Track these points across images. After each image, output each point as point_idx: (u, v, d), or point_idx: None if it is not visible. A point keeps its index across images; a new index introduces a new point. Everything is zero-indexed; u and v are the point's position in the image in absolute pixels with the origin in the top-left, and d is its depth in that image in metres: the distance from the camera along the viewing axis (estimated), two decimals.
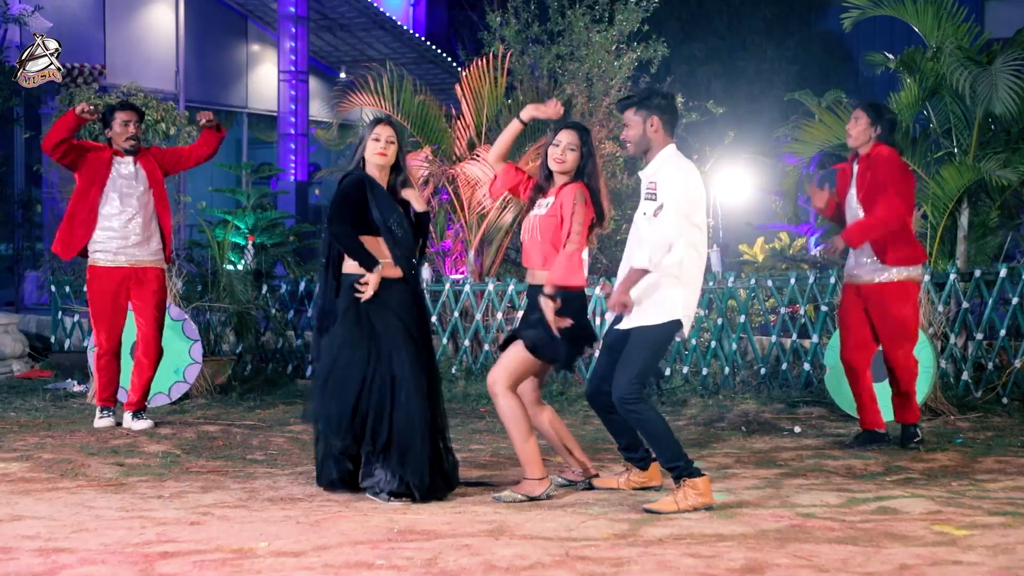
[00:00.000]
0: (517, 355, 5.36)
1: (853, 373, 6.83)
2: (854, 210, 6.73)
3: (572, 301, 5.33)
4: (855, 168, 6.75)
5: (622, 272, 5.38)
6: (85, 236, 7.30)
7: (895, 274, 6.66)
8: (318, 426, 5.47)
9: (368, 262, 5.36)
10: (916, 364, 6.84)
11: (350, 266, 5.43)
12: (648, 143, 5.29)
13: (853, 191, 6.73)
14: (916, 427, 6.81)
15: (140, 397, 7.42)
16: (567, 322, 5.26)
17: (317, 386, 5.49)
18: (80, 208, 7.30)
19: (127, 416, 7.34)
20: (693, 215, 5.20)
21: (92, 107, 7.20)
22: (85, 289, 7.43)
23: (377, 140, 5.48)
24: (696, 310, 5.39)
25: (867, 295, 6.72)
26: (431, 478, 5.34)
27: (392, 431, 5.27)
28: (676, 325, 5.23)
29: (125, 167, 7.34)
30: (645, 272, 5.16)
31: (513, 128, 5.69)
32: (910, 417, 6.82)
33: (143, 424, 7.30)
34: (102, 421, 7.39)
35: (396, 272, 5.44)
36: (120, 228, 7.30)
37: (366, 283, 5.34)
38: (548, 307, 5.25)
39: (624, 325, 5.26)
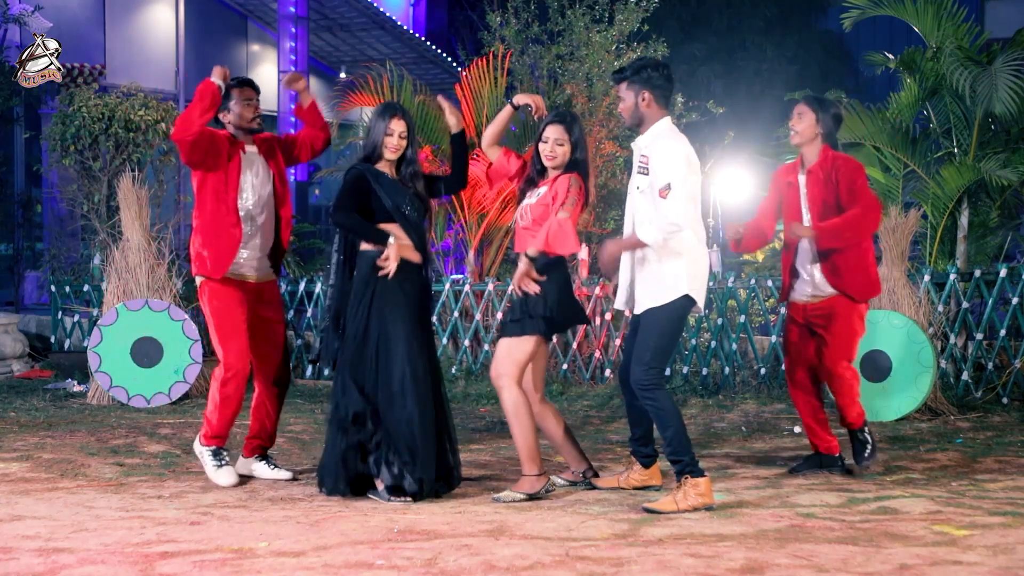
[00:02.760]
0: (513, 342, 5.36)
1: (804, 394, 6.08)
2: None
3: (557, 268, 5.37)
4: (803, 180, 5.89)
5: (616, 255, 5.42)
6: (235, 246, 5.76)
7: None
8: (341, 417, 5.34)
9: (379, 237, 5.35)
10: (856, 375, 6.00)
11: (366, 245, 5.43)
12: (641, 116, 5.30)
13: (804, 209, 5.88)
14: (863, 431, 6.01)
15: (271, 437, 6.04)
16: (535, 287, 5.28)
17: (340, 379, 5.43)
18: (222, 213, 5.74)
19: (258, 464, 5.96)
20: (689, 183, 5.18)
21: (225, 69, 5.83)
22: (204, 307, 5.83)
23: (391, 135, 5.49)
24: (704, 291, 5.26)
25: (811, 312, 5.93)
26: (435, 475, 5.35)
27: (400, 426, 5.27)
28: (686, 301, 5.18)
29: (249, 159, 5.87)
30: (643, 245, 5.17)
31: (505, 113, 5.73)
32: (856, 421, 6.01)
33: (285, 474, 5.93)
34: (225, 473, 5.73)
35: (415, 256, 5.45)
36: (248, 235, 5.83)
37: (387, 258, 5.33)
38: (524, 264, 5.28)
39: (637, 310, 5.27)
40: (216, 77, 5.69)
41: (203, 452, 5.84)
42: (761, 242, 6.09)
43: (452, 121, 5.74)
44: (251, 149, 5.88)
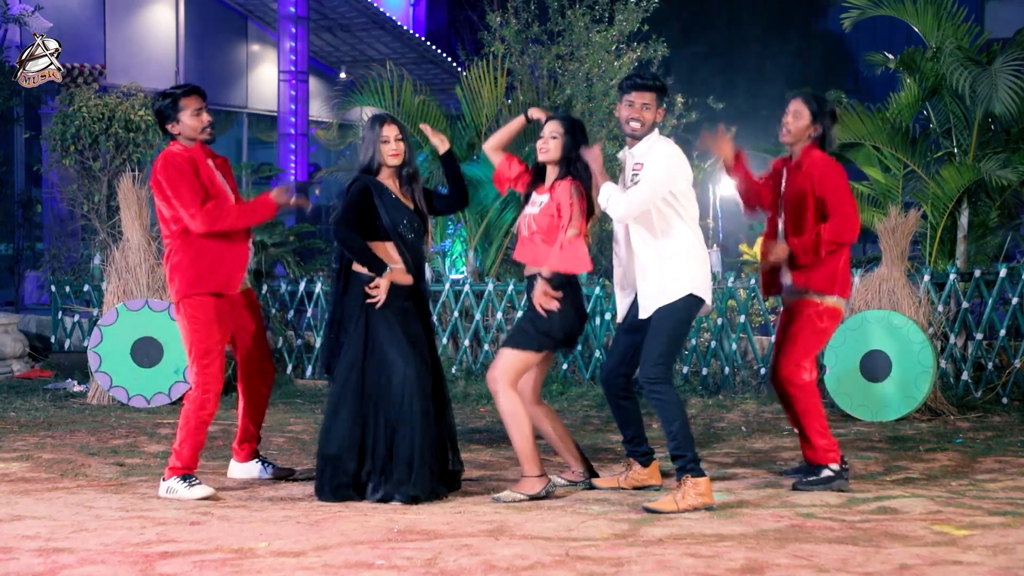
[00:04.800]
0: (516, 354, 5.37)
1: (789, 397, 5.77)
2: (777, 223, 5.81)
3: (568, 286, 5.37)
4: (785, 174, 5.77)
5: (619, 274, 5.50)
6: (246, 257, 5.63)
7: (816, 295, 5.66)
8: (331, 449, 5.31)
9: (377, 266, 5.34)
10: (816, 394, 5.71)
11: (359, 267, 5.41)
12: (650, 130, 5.41)
13: (780, 203, 5.78)
14: (824, 466, 5.58)
15: (257, 437, 5.96)
16: (554, 304, 5.29)
17: (331, 409, 5.40)
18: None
19: (254, 465, 5.91)
20: (679, 187, 5.28)
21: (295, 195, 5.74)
22: (186, 325, 5.59)
23: (387, 142, 5.47)
24: (710, 289, 5.36)
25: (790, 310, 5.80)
26: (435, 481, 5.35)
27: (397, 449, 5.26)
28: (693, 300, 5.26)
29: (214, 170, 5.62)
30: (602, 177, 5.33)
31: (517, 123, 5.77)
32: (810, 455, 5.70)
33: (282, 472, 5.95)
34: (200, 489, 5.38)
35: (407, 279, 5.43)
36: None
37: (376, 287, 5.32)
38: (541, 284, 5.30)
39: (644, 314, 5.32)
40: (281, 198, 5.57)
41: (171, 484, 5.41)
42: (750, 197, 5.87)
43: (437, 143, 5.74)
44: (209, 164, 5.56)
